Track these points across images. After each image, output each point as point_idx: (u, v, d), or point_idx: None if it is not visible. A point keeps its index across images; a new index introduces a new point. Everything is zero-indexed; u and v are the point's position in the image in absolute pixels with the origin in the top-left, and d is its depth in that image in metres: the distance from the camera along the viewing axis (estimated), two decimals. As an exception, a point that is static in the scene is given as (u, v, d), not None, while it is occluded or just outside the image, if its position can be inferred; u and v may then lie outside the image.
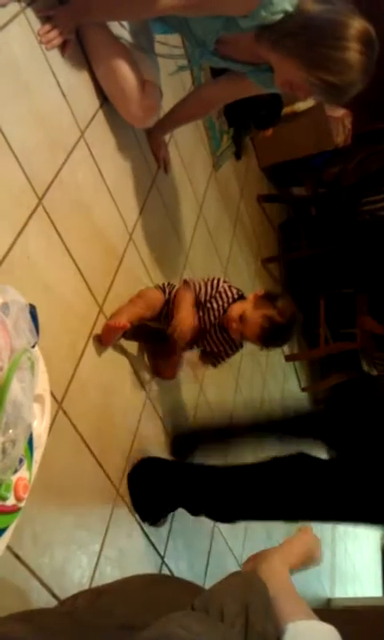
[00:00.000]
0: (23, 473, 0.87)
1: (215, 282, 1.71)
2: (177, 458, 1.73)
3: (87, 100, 1.60)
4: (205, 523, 1.77)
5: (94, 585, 1.22)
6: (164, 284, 1.74)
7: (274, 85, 1.57)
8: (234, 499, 1.54)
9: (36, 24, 1.40)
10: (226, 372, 2.41)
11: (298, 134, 3.44)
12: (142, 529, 1.51)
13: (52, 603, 1.10)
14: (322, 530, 3.46)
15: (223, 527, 1.98)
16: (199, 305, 1.68)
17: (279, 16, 1.41)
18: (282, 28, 1.42)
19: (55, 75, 1.45)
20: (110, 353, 1.51)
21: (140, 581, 0.98)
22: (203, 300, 1.68)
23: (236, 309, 1.64)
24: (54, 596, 1.11)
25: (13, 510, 0.84)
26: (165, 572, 1.58)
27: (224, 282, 1.73)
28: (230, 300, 1.68)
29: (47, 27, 1.41)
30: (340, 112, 3.52)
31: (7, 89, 1.26)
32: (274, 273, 3.62)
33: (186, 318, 1.61)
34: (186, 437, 1.80)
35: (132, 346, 1.64)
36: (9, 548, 1.00)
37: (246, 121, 3.05)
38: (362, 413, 1.55)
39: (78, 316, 1.40)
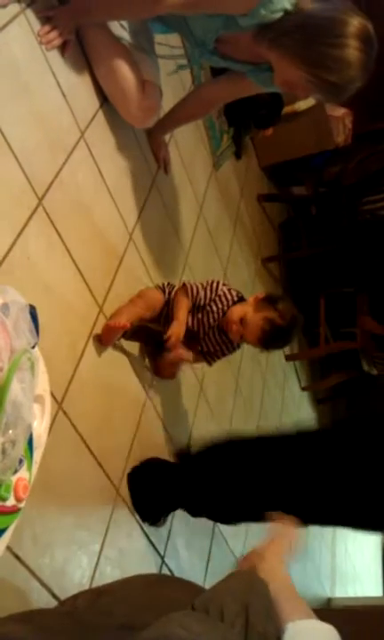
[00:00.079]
0: (23, 473, 0.87)
1: (214, 285, 1.72)
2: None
3: (87, 100, 1.60)
4: (205, 523, 1.78)
5: (94, 585, 1.22)
6: (164, 284, 1.74)
7: (273, 85, 1.57)
8: (235, 500, 1.54)
9: (36, 25, 1.40)
10: (226, 372, 2.41)
11: (298, 134, 3.44)
12: (142, 529, 1.51)
13: (52, 603, 1.10)
14: (322, 530, 3.46)
15: (223, 527, 1.99)
16: (198, 308, 1.69)
17: (279, 15, 1.41)
18: (280, 27, 1.42)
19: (55, 75, 1.45)
20: (110, 353, 1.51)
21: (140, 581, 0.98)
22: (202, 303, 1.68)
23: (237, 312, 1.64)
24: (54, 596, 1.11)
25: (13, 511, 0.84)
26: (165, 572, 1.58)
27: (223, 284, 1.74)
28: (230, 303, 1.68)
29: (47, 27, 1.41)
30: (340, 111, 3.52)
31: (7, 89, 1.26)
32: (274, 272, 3.62)
33: (179, 329, 1.61)
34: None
35: (132, 346, 1.64)
36: (9, 548, 1.00)
37: (246, 120, 3.05)
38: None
39: (78, 316, 1.40)
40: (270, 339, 1.62)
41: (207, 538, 1.91)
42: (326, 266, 3.70)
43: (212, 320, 1.68)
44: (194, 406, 2.02)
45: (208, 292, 1.69)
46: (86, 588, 1.20)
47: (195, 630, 0.63)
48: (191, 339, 1.70)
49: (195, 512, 1.63)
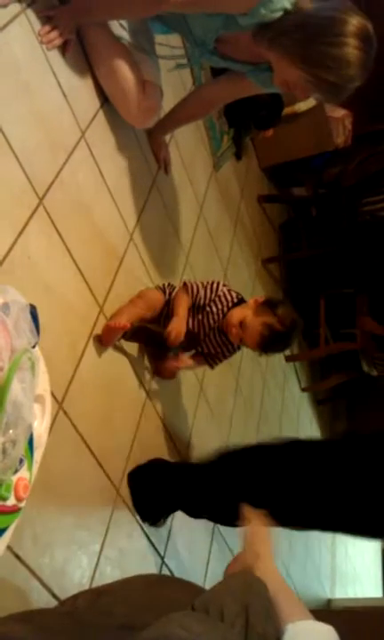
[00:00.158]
0: (23, 473, 0.87)
1: (214, 285, 1.72)
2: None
3: (88, 100, 1.60)
4: (206, 523, 1.78)
5: (94, 585, 1.22)
6: (164, 285, 1.74)
7: (273, 85, 1.57)
8: (236, 502, 1.54)
9: (37, 24, 1.40)
10: (226, 372, 2.41)
11: (298, 135, 3.44)
12: (142, 529, 1.51)
13: (52, 603, 1.10)
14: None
15: (223, 527, 1.98)
16: (198, 308, 1.69)
17: (279, 14, 1.41)
18: (280, 27, 1.42)
19: (56, 75, 1.45)
20: (110, 353, 1.51)
21: (140, 581, 0.98)
22: (202, 303, 1.68)
23: (237, 315, 1.64)
24: (54, 596, 1.11)
25: (14, 510, 0.84)
26: (165, 572, 1.58)
27: (223, 285, 1.74)
28: (230, 304, 1.68)
29: (48, 27, 1.41)
30: (340, 113, 3.52)
31: (8, 89, 1.26)
32: (274, 273, 3.62)
33: (180, 325, 1.61)
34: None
35: (132, 346, 1.64)
36: (9, 548, 1.00)
37: (247, 121, 3.05)
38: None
39: (79, 316, 1.40)
40: (269, 344, 1.62)
41: (207, 538, 1.91)
42: (326, 267, 3.70)
43: (212, 321, 1.68)
44: (194, 406, 2.02)
45: (208, 292, 1.69)
46: (86, 587, 1.20)
47: (195, 630, 0.63)
48: (191, 341, 1.70)
49: (195, 513, 1.62)
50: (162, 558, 1.58)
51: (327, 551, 3.82)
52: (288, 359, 3.55)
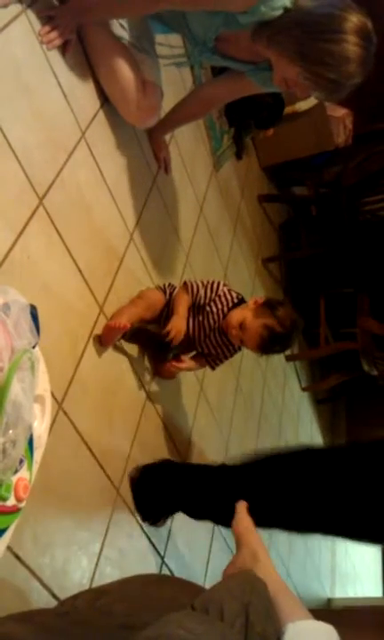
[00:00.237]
0: (23, 473, 0.87)
1: (215, 285, 1.71)
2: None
3: (88, 100, 1.60)
4: (206, 523, 1.77)
5: (94, 585, 1.22)
6: (164, 285, 1.74)
7: (273, 84, 1.57)
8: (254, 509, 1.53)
9: (37, 24, 1.40)
10: (226, 372, 2.41)
11: (299, 134, 3.44)
12: (142, 529, 1.51)
13: (52, 603, 1.10)
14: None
15: (224, 528, 1.98)
16: (198, 308, 1.69)
17: (279, 12, 1.41)
18: (278, 24, 1.42)
19: (56, 75, 1.45)
20: (110, 353, 1.51)
21: (140, 581, 0.98)
22: (202, 302, 1.68)
23: (236, 316, 1.63)
24: (54, 596, 1.11)
25: (14, 511, 0.84)
26: (165, 571, 1.58)
27: (224, 285, 1.73)
28: (230, 304, 1.68)
29: (48, 27, 1.41)
30: (340, 112, 3.52)
31: (8, 89, 1.26)
32: (274, 273, 3.62)
33: (180, 323, 1.61)
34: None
35: (132, 346, 1.64)
36: (9, 548, 1.00)
37: (247, 121, 3.05)
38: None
39: (79, 316, 1.40)
40: (269, 345, 1.62)
41: (207, 538, 1.91)
42: (326, 266, 3.70)
43: (212, 321, 1.67)
44: (194, 406, 2.02)
45: (208, 292, 1.69)
46: (86, 588, 1.20)
47: (194, 630, 0.62)
48: (189, 344, 1.70)
49: (197, 515, 1.62)
50: (162, 558, 1.58)
51: (327, 550, 3.82)
52: (288, 359, 3.55)
